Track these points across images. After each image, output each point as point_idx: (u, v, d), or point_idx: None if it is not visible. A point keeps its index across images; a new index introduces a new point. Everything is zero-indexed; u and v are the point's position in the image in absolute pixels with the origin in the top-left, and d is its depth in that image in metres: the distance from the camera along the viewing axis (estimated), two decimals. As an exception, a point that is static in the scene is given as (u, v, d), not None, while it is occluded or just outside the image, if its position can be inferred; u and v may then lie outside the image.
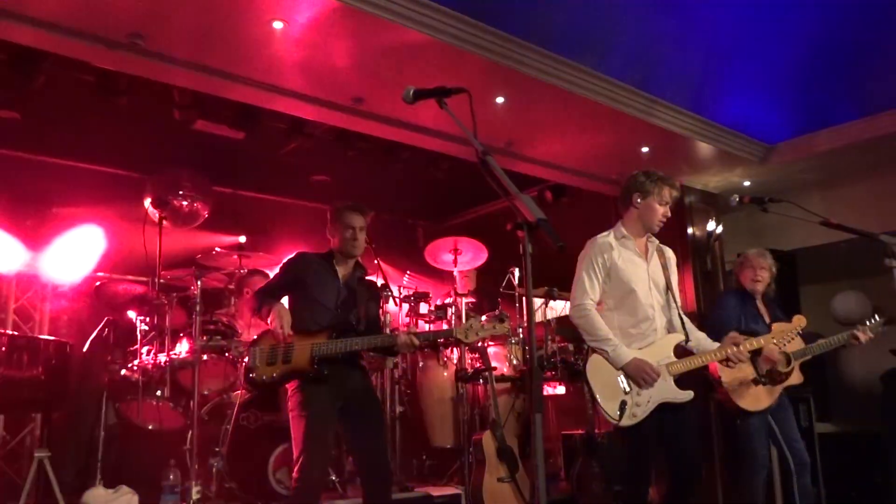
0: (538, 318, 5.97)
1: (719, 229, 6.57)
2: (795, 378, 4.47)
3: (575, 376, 5.78)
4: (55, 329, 6.35)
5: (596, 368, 3.42)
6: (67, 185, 6.44)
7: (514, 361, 5.79)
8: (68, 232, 6.18)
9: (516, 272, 5.74)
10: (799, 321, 3.98)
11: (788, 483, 4.50)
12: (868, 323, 4.42)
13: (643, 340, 3.45)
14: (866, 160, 6.11)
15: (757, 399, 4.36)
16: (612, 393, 3.35)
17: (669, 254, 3.72)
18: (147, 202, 6.18)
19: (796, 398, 5.70)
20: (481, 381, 5.48)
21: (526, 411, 5.76)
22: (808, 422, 5.97)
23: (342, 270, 3.76)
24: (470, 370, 5.51)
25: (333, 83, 4.64)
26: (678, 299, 3.63)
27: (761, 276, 4.72)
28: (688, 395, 3.42)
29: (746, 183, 6.63)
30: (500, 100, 4.94)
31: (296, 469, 3.30)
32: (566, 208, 7.11)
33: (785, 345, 4.12)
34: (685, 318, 3.64)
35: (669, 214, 3.60)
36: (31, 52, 4.35)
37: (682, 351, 3.54)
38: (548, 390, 6.05)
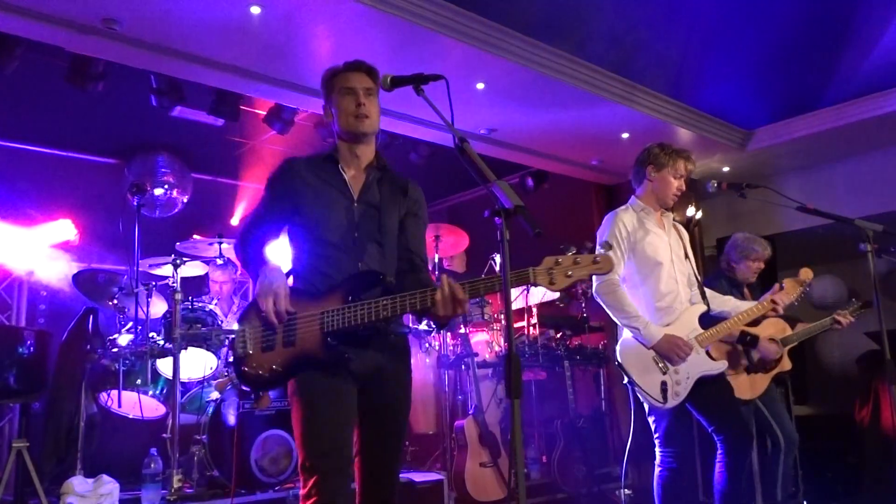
0: (520, 304, 6.00)
1: (699, 215, 6.62)
2: (785, 364, 4.51)
3: (555, 362, 5.83)
4: (33, 318, 6.29)
5: (629, 353, 3.35)
6: (43, 172, 6.37)
7: (497, 348, 5.82)
8: (45, 220, 6.12)
9: (497, 259, 5.75)
10: (806, 274, 3.76)
11: (770, 461, 4.55)
12: (848, 307, 4.49)
13: (670, 315, 3.38)
14: (843, 145, 6.17)
15: (751, 386, 4.38)
16: (650, 376, 3.27)
17: (683, 231, 3.67)
18: (125, 189, 6.12)
19: (774, 381, 5.79)
20: (463, 366, 5.51)
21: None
22: (786, 404, 6.06)
23: (354, 173, 2.51)
24: (452, 356, 5.54)
25: (312, 69, 4.60)
26: (697, 274, 3.60)
27: (760, 268, 4.73)
28: (722, 364, 3.37)
29: (726, 168, 6.67)
30: (480, 86, 4.93)
31: (302, 484, 2.28)
32: (547, 194, 7.13)
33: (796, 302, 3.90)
34: (708, 290, 3.61)
35: (684, 188, 3.53)
36: (3, 37, 4.27)
37: (707, 321, 3.49)
38: (529, 376, 6.09)
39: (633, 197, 3.62)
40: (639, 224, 3.47)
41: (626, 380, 3.35)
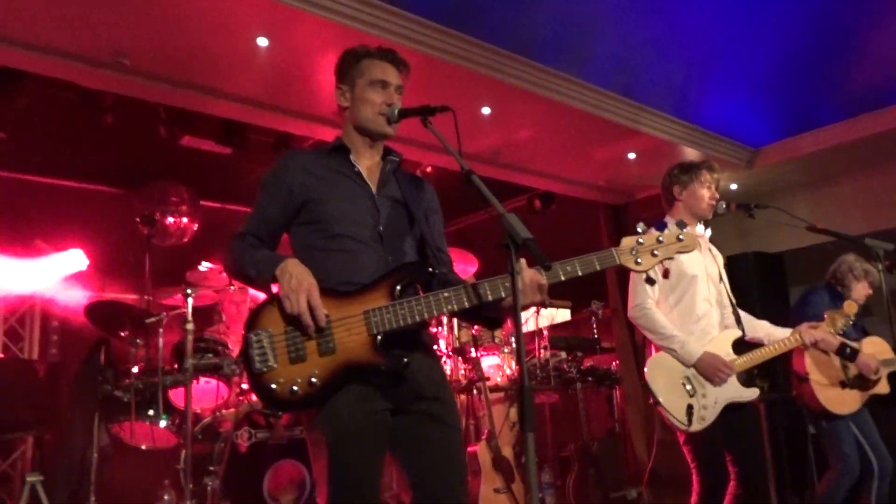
0: (531, 326, 5.99)
1: (708, 233, 6.59)
2: (882, 387, 4.33)
3: (568, 384, 5.80)
4: (45, 349, 6.32)
5: (656, 373, 3.28)
6: (54, 203, 6.41)
7: (508, 371, 5.80)
8: (56, 251, 6.16)
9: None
10: (850, 307, 3.70)
11: (861, 489, 4.34)
12: None
13: (703, 337, 3.31)
14: (851, 161, 6.16)
15: (843, 401, 4.24)
16: (677, 398, 3.21)
17: (717, 253, 3.62)
18: (135, 219, 6.16)
19: (787, 399, 5.72)
20: (475, 391, 5.48)
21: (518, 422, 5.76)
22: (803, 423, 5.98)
23: (368, 164, 2.26)
24: (464, 381, 5.51)
25: (318, 98, 4.64)
26: (731, 297, 3.54)
27: (870, 293, 4.54)
28: (753, 392, 3.30)
29: (733, 186, 6.67)
30: (485, 110, 4.96)
31: None
32: (555, 215, 7.13)
33: (839, 332, 3.80)
34: (744, 313, 3.54)
35: (717, 195, 3.48)
36: (15, 72, 4.34)
37: (741, 347, 3.42)
38: (541, 399, 6.06)
39: (665, 218, 3.55)
40: None
41: (651, 400, 3.31)
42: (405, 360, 1.96)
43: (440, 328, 5.77)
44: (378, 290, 2.00)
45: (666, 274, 3.20)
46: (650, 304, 3.32)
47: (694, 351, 3.22)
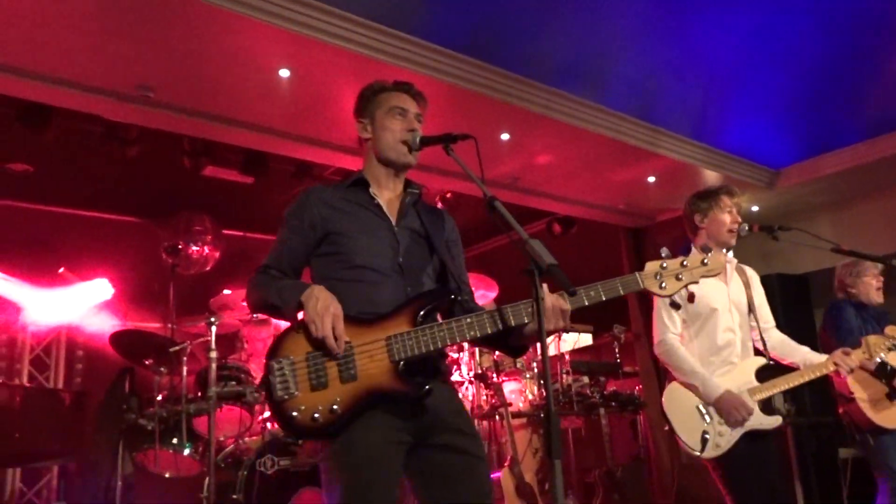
0: (551, 351, 5.95)
1: (730, 255, 6.55)
2: None
3: (591, 409, 5.75)
4: (70, 378, 6.38)
5: (673, 398, 3.29)
6: (80, 234, 6.52)
7: (531, 396, 5.76)
8: (82, 281, 6.25)
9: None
10: (893, 331, 3.69)
11: None
12: None
13: (724, 367, 3.30)
14: (874, 181, 6.11)
15: (893, 415, 4.14)
16: (691, 424, 3.20)
17: (751, 272, 3.59)
18: (159, 248, 6.24)
19: (814, 424, 5.63)
20: (497, 417, 5.45)
21: (543, 448, 5.71)
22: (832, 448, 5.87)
23: (388, 197, 2.27)
24: (486, 406, 5.48)
25: (340, 127, 4.70)
26: (769, 318, 3.52)
27: (880, 282, 4.46)
28: (775, 420, 3.26)
29: (755, 208, 6.63)
30: (504, 136, 4.99)
31: None
32: (575, 239, 7.12)
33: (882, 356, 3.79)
34: (782, 336, 3.52)
35: (739, 220, 3.45)
36: (42, 106, 4.45)
37: (765, 374, 3.38)
38: (564, 424, 6.00)
39: (691, 245, 3.53)
40: None
41: (667, 427, 3.30)
42: (427, 387, 1.94)
43: (461, 354, 5.76)
44: (400, 316, 2.00)
45: (691, 298, 3.16)
46: (672, 338, 3.33)
47: (714, 389, 3.20)
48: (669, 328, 3.33)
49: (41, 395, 4.92)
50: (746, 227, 3.52)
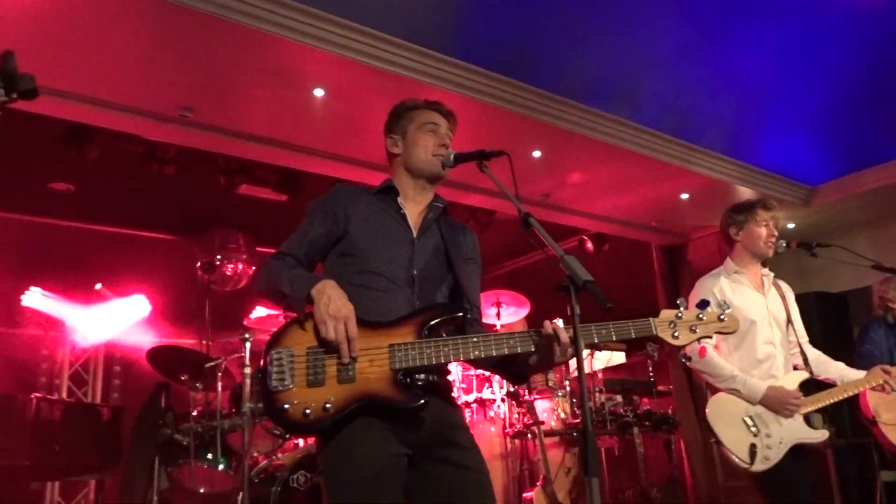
0: (584, 369, 5.89)
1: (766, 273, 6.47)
2: None
3: (624, 428, 5.67)
4: (107, 393, 6.49)
5: (718, 411, 3.23)
6: (119, 251, 6.65)
7: (563, 415, 5.71)
8: (120, 298, 6.38)
9: (559, 323, 5.68)
10: None
11: None
12: None
13: (766, 380, 3.23)
14: (913, 198, 6.00)
15: None
16: (739, 437, 3.14)
17: (786, 287, 3.54)
18: (194, 265, 6.34)
19: (854, 446, 5.49)
20: (529, 436, 5.41)
21: (576, 467, 5.65)
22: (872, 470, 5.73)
23: (413, 209, 2.26)
24: (518, 425, 5.45)
25: (373, 145, 4.74)
26: (803, 333, 3.46)
27: None
28: (822, 434, 3.20)
29: (791, 225, 6.54)
30: (536, 154, 5.00)
31: None
32: (608, 256, 7.08)
33: None
34: (817, 352, 3.46)
35: (776, 232, 3.41)
36: (85, 127, 4.57)
37: (809, 388, 3.32)
38: (598, 443, 5.94)
39: (726, 260, 3.51)
40: (729, 287, 3.37)
41: (713, 439, 3.24)
42: (422, 400, 1.90)
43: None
44: (406, 325, 1.97)
45: (702, 353, 3.22)
46: (707, 349, 3.26)
47: (757, 387, 3.16)
48: (685, 360, 3.30)
49: (80, 410, 5.01)
50: (784, 244, 3.48)
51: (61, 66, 3.73)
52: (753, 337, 3.28)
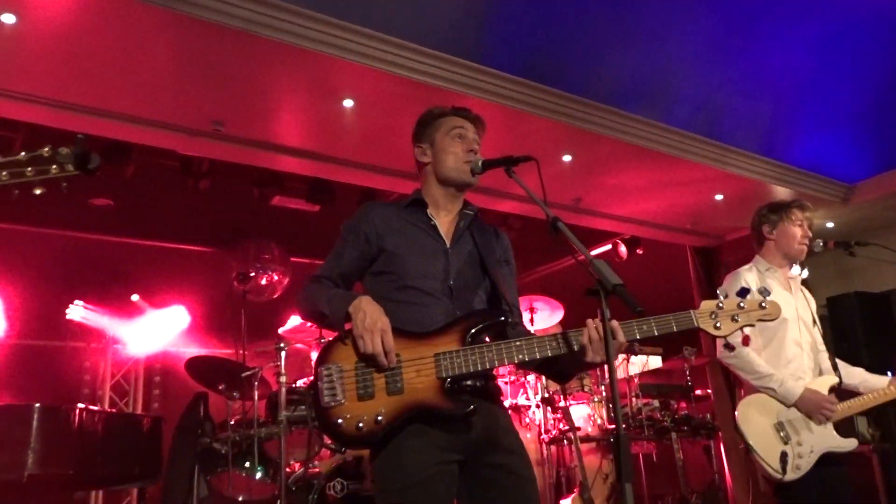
0: (619, 374, 5.85)
1: (805, 274, 6.34)
2: None
3: (662, 433, 5.60)
4: (148, 403, 6.61)
5: (748, 416, 3.13)
6: (156, 264, 6.78)
7: (599, 421, 5.66)
8: (158, 309, 6.50)
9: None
10: None
11: None
12: None
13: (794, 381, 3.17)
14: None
15: None
16: (770, 443, 3.05)
17: (809, 295, 3.47)
18: (230, 277, 6.44)
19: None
20: (566, 442, 5.37)
21: (614, 474, 5.59)
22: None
23: (444, 219, 2.26)
24: (554, 430, 5.41)
25: (403, 154, 4.76)
26: (821, 341, 3.37)
27: None
28: (851, 443, 3.11)
29: (830, 224, 6.41)
30: (566, 158, 4.98)
31: None
32: (642, 260, 7.01)
33: None
34: (836, 359, 3.35)
35: (810, 234, 3.35)
36: (122, 144, 4.67)
37: (839, 395, 3.23)
38: (635, 449, 5.87)
39: (756, 257, 3.44)
40: (761, 283, 3.27)
41: (742, 445, 3.16)
42: (472, 406, 1.93)
43: (527, 377, 5.72)
44: (450, 334, 2.00)
45: (746, 342, 3.14)
46: (739, 342, 3.18)
47: (794, 389, 3.07)
48: (728, 351, 3.19)
49: (122, 420, 5.10)
50: (821, 243, 3.40)
51: (97, 84, 3.83)
52: (783, 335, 3.21)
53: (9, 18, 3.27)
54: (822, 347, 3.34)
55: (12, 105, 3.90)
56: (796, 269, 3.51)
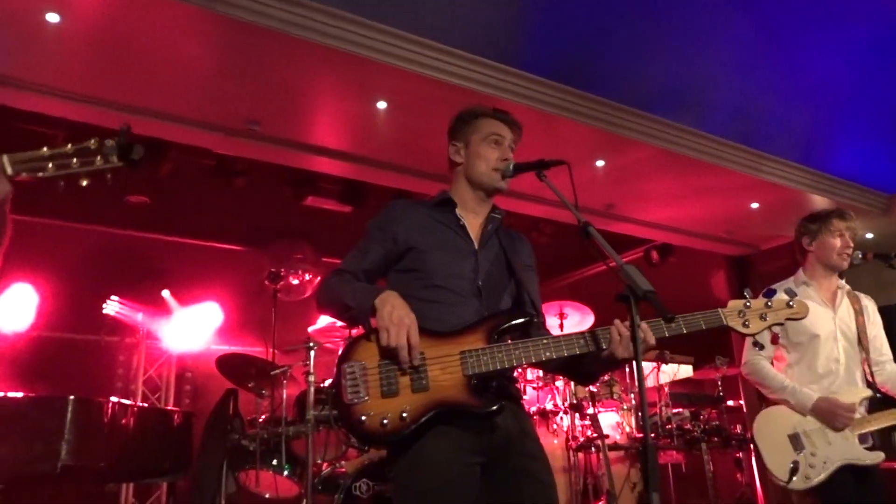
0: (650, 382, 5.78)
1: (843, 282, 6.22)
2: None
3: (692, 444, 5.52)
4: (179, 399, 6.70)
5: (764, 425, 3.18)
6: (189, 262, 6.87)
7: (628, 429, 5.60)
8: (191, 306, 6.59)
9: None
10: None
11: None
12: None
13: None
14: None
15: None
16: (781, 452, 3.08)
17: (866, 301, 3.40)
18: (262, 276, 6.50)
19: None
20: (594, 449, 5.32)
21: (642, 483, 5.53)
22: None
23: (473, 220, 2.25)
24: (581, 438, 5.37)
25: (435, 156, 4.77)
26: (885, 350, 3.31)
27: None
28: (877, 456, 3.04)
29: (869, 235, 6.27)
30: (599, 163, 4.95)
31: None
32: (674, 267, 6.92)
33: None
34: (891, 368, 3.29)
35: (851, 244, 3.29)
36: (160, 142, 4.75)
37: (877, 408, 3.19)
38: (664, 459, 5.79)
39: (798, 270, 3.40)
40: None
41: (754, 453, 3.18)
42: (500, 403, 1.92)
43: (556, 383, 5.68)
44: (475, 332, 1.99)
45: (775, 340, 3.15)
46: (757, 359, 3.24)
47: (806, 398, 3.08)
48: (758, 350, 3.21)
49: (154, 415, 5.17)
50: (860, 255, 3.34)
51: (136, 82, 3.90)
52: (815, 351, 3.18)
53: (53, 18, 3.35)
54: (872, 357, 3.24)
55: (55, 102, 3.99)
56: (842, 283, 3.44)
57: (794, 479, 3.00)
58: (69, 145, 1.74)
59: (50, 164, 1.71)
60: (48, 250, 5.94)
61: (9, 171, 1.68)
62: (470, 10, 3.84)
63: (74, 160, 1.73)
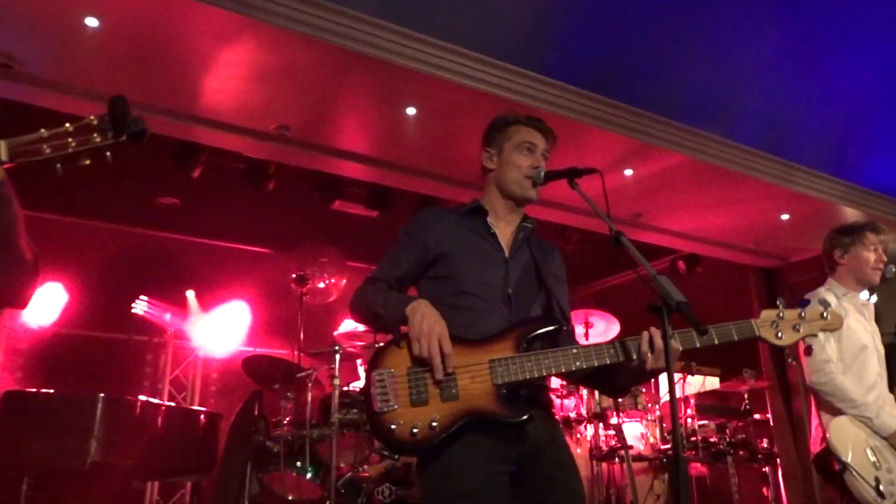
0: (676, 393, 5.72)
1: (873, 300, 6.11)
2: None
3: (717, 457, 5.46)
4: (205, 399, 6.77)
5: (842, 437, 3.02)
6: (218, 263, 6.95)
7: (652, 440, 5.55)
8: (219, 307, 6.66)
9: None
10: None
11: None
12: None
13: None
14: None
15: None
16: (868, 467, 2.94)
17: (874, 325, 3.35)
18: (288, 278, 6.55)
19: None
20: (617, 460, 5.28)
21: (665, 495, 5.47)
22: None
23: (503, 228, 2.25)
24: (605, 448, 5.33)
25: (463, 163, 4.80)
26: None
27: None
28: None
29: (902, 248, 6.17)
30: (628, 172, 4.93)
31: None
32: (701, 278, 6.87)
33: None
34: None
35: (885, 257, 3.24)
36: (192, 145, 4.82)
37: None
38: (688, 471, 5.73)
39: (829, 280, 3.33)
40: (841, 308, 3.16)
41: (837, 466, 2.99)
42: (529, 412, 1.90)
43: (581, 392, 5.65)
44: (505, 340, 1.97)
45: (808, 351, 3.05)
46: (832, 366, 3.07)
47: (890, 422, 2.97)
48: (830, 358, 3.08)
49: (180, 414, 5.21)
50: (893, 269, 3.28)
51: (169, 86, 3.96)
52: (864, 362, 3.11)
53: (92, 22, 3.42)
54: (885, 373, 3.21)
55: (93, 105, 4.07)
56: (864, 294, 3.39)
57: (884, 497, 2.87)
58: (68, 124, 1.65)
59: (45, 147, 1.61)
60: (79, 250, 6.04)
61: (3, 157, 1.58)
62: (501, 18, 3.84)
63: (71, 140, 1.63)
